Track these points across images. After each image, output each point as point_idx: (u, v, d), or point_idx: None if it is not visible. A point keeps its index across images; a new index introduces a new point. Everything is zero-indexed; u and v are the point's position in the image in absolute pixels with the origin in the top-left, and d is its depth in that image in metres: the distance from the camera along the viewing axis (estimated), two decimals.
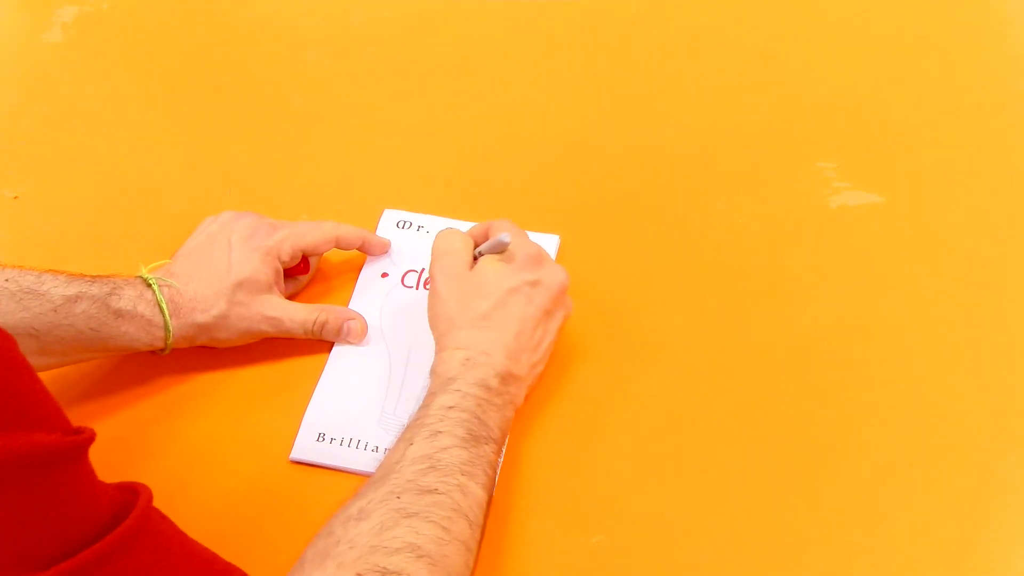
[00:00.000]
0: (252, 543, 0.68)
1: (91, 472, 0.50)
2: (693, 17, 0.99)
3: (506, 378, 0.68)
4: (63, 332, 0.68)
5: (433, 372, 0.69)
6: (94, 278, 0.71)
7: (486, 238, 0.74)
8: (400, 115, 0.94)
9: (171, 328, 0.72)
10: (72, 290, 0.69)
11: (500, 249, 0.72)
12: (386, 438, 0.72)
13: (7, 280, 0.68)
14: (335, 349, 0.77)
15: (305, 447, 0.72)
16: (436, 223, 0.84)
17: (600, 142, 0.90)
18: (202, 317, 0.73)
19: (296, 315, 0.76)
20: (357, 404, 0.74)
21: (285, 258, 0.76)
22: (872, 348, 0.75)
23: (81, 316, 0.68)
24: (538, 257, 0.72)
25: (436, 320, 0.71)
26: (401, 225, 0.84)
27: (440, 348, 0.70)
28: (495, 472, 0.66)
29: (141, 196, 0.89)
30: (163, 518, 0.54)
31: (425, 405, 0.67)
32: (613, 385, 0.75)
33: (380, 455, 0.71)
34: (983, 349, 0.75)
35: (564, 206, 0.85)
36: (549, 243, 0.82)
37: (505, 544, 0.68)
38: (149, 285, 0.72)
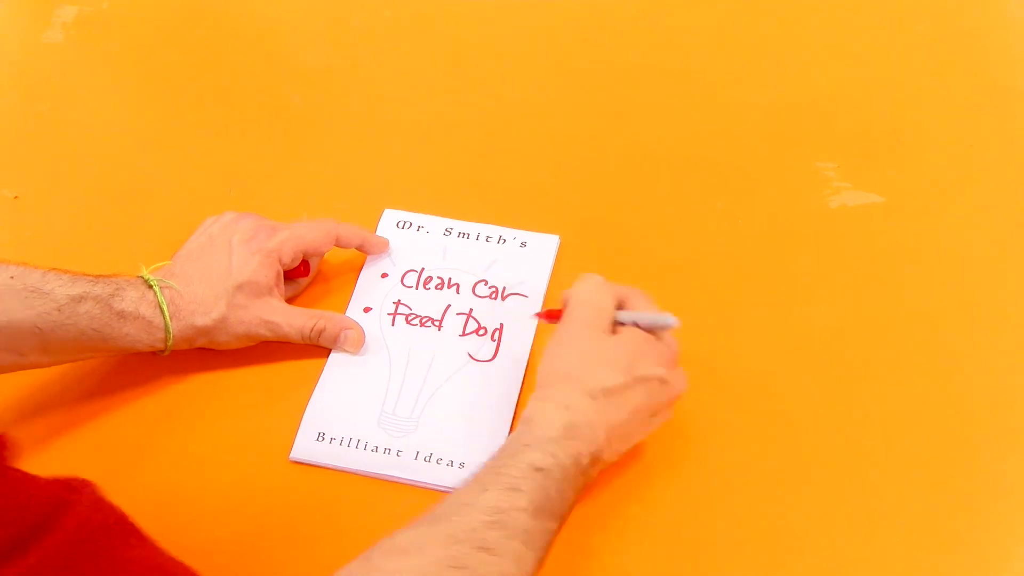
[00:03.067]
0: (252, 543, 0.68)
1: (16, 471, 0.49)
2: (693, 17, 0.99)
3: (597, 461, 0.64)
4: (66, 332, 0.68)
5: (528, 420, 0.65)
6: (97, 278, 0.71)
7: (625, 301, 0.70)
8: (400, 115, 0.94)
9: (171, 330, 0.72)
10: (76, 290, 0.69)
11: (657, 328, 0.69)
12: (385, 438, 0.72)
13: (12, 277, 0.67)
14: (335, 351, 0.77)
15: (305, 447, 0.72)
16: (436, 223, 0.84)
17: (600, 142, 0.90)
18: (202, 320, 0.73)
19: (294, 321, 0.75)
20: (357, 404, 0.74)
21: (286, 260, 0.76)
22: (872, 348, 0.75)
23: (84, 316, 0.68)
24: (676, 356, 0.69)
25: (552, 367, 0.67)
26: (401, 225, 0.84)
27: (544, 397, 0.66)
28: (549, 552, 0.60)
29: (141, 196, 0.89)
30: (110, 519, 0.51)
31: (510, 454, 0.62)
32: None
33: (380, 455, 0.71)
34: (983, 349, 0.75)
35: (564, 206, 0.85)
36: (549, 243, 0.82)
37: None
38: (150, 286, 0.72)
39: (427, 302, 0.79)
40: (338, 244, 0.80)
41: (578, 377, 0.65)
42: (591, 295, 0.69)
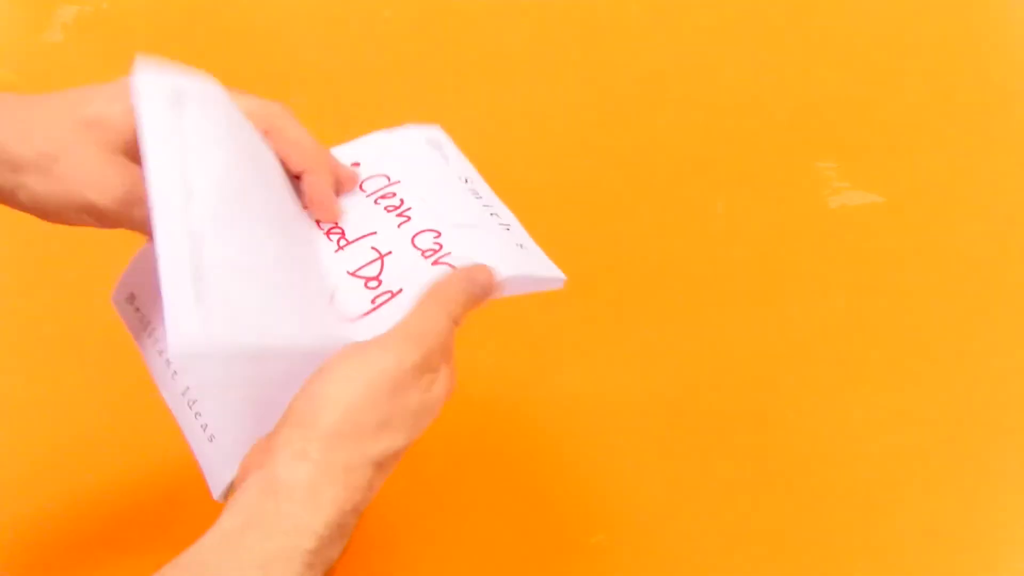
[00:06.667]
0: None
1: None
2: (692, 17, 0.99)
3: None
4: None
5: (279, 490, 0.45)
6: None
7: None
8: (400, 115, 0.94)
9: None
10: None
11: None
12: None
13: None
14: None
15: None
16: (461, 164, 0.65)
17: (599, 142, 0.90)
18: (20, 149, 0.52)
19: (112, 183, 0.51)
20: None
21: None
22: (872, 348, 0.75)
23: None
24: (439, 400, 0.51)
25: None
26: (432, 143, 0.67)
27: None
28: None
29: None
30: None
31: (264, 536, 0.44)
32: (612, 385, 0.75)
33: None
34: (984, 349, 0.75)
35: (564, 206, 0.85)
36: (553, 273, 0.59)
37: (505, 544, 0.68)
38: None
39: (361, 216, 0.58)
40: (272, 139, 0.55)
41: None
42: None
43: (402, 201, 0.59)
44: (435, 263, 0.55)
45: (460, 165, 0.64)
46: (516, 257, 0.57)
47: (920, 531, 0.67)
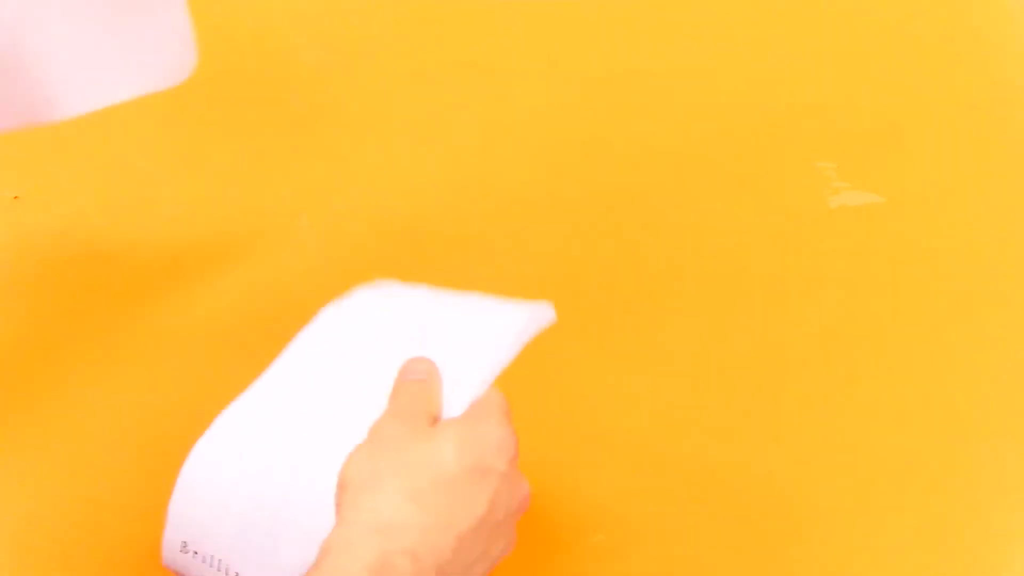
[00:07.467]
0: None
1: None
2: (691, 16, 0.99)
3: None
4: None
5: (327, 552, 0.46)
6: None
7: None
8: (400, 115, 0.94)
9: None
10: None
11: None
12: None
13: None
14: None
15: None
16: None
17: (598, 142, 0.90)
18: None
19: None
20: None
21: None
22: (872, 348, 0.75)
23: None
24: (516, 444, 0.56)
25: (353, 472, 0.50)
26: None
27: (345, 521, 0.48)
28: None
29: (141, 196, 0.89)
30: None
31: None
32: (612, 385, 0.75)
33: None
34: (984, 349, 0.75)
35: (563, 206, 0.85)
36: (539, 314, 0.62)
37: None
38: None
39: None
40: None
41: (393, 474, 0.47)
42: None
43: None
44: None
45: (409, 292, 0.64)
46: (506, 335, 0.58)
47: (920, 531, 0.67)
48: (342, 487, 0.48)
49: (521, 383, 0.75)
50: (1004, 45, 0.95)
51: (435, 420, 0.52)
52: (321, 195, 0.87)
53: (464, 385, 0.55)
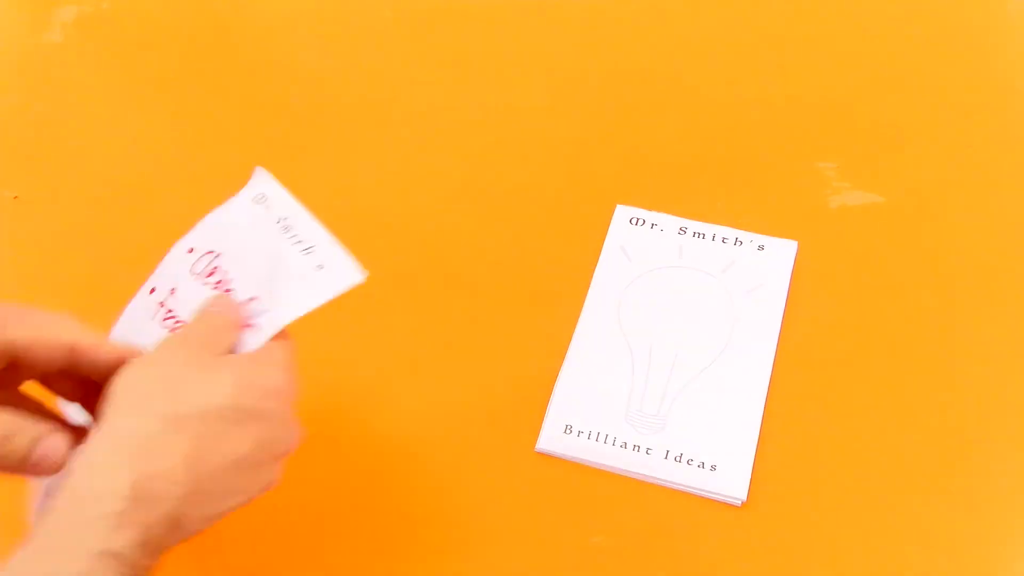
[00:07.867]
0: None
1: None
2: (693, 16, 0.99)
3: (174, 529, 0.48)
4: None
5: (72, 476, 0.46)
6: None
7: None
8: (400, 115, 0.94)
9: None
10: None
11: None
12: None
13: None
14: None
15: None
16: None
17: (598, 142, 0.90)
18: None
19: None
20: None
21: None
22: (871, 348, 0.75)
23: None
24: (294, 391, 0.56)
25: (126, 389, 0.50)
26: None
27: (103, 442, 0.48)
28: None
29: (141, 196, 0.89)
30: None
31: (56, 549, 0.44)
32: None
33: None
34: (984, 349, 0.75)
35: (563, 206, 0.85)
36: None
37: (504, 544, 0.68)
38: None
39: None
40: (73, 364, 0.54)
41: (161, 397, 0.48)
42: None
43: (225, 273, 0.64)
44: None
45: (280, 206, 0.69)
46: (312, 288, 0.61)
47: (920, 531, 0.67)
48: (109, 399, 0.49)
49: (525, 383, 0.75)
50: (1004, 45, 0.95)
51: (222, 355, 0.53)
52: (321, 195, 0.87)
53: (262, 329, 0.58)
